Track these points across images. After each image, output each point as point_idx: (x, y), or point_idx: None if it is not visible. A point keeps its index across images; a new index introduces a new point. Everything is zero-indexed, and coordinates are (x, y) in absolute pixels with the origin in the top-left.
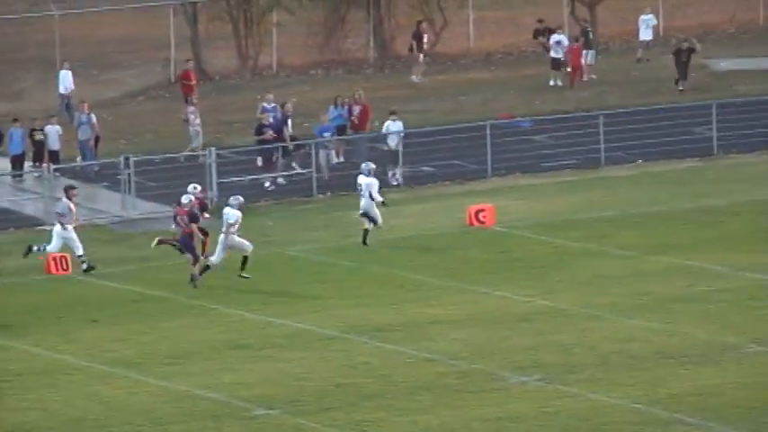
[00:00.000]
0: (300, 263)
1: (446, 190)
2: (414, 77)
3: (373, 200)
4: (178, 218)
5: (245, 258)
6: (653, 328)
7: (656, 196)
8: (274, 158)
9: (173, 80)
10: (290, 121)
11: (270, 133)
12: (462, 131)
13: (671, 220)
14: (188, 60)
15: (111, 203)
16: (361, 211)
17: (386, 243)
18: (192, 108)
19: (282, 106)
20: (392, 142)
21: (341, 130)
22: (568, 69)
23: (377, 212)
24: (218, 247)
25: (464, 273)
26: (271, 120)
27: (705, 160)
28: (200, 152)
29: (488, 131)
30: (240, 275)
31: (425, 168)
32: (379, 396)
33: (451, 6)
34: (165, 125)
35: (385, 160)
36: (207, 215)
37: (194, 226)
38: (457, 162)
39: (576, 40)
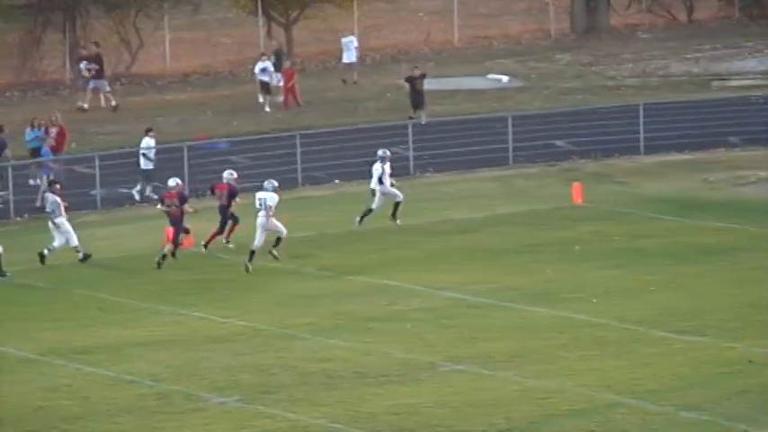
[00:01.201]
0: None
1: (144, 212)
2: (83, 104)
3: (382, 183)
4: (167, 200)
5: (279, 240)
6: (351, 347)
7: (354, 216)
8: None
9: None
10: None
11: None
12: (159, 153)
13: (369, 240)
14: None
15: None
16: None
17: (84, 265)
18: None
19: (1, 130)
20: (146, 160)
21: (36, 152)
22: (280, 99)
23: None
24: (258, 231)
25: (163, 294)
26: None
27: (402, 180)
28: None
29: (185, 153)
30: (271, 253)
31: (122, 190)
32: (79, 419)
33: (147, 27)
34: None
35: (139, 178)
36: (237, 200)
37: (186, 206)
38: (156, 183)
39: (290, 64)
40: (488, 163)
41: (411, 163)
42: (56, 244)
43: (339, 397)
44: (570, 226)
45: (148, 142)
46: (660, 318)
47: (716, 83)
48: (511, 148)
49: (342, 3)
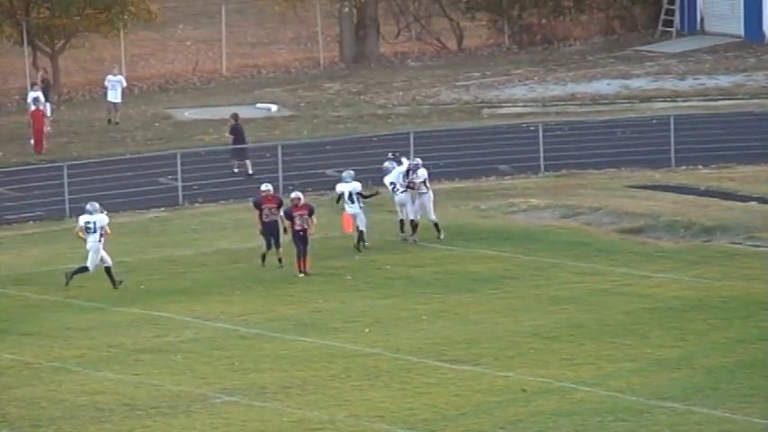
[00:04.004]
0: None
1: None
2: None
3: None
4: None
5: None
6: (121, 379)
7: (122, 248)
8: None
9: None
10: None
11: None
12: None
13: (138, 271)
14: None
15: None
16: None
17: None
18: None
19: None
20: None
21: None
22: (32, 142)
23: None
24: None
25: None
26: None
27: (170, 210)
28: None
29: None
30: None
31: None
32: None
33: None
34: None
35: None
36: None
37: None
38: None
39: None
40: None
41: (180, 193)
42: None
43: (109, 430)
44: (341, 255)
45: None
46: (433, 347)
47: (486, 110)
48: (281, 178)
49: (108, 32)
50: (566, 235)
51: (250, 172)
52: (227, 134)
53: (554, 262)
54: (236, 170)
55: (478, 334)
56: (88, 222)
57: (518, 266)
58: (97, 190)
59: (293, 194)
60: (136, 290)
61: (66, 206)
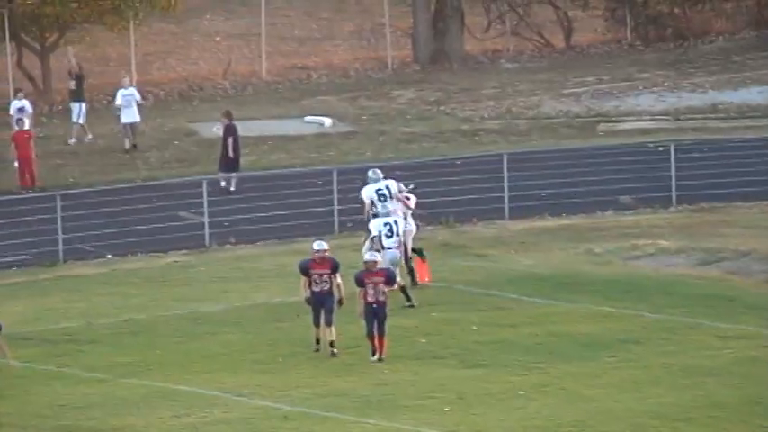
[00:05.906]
0: None
1: None
2: None
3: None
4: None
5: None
6: None
7: (132, 301)
8: None
9: None
10: None
11: None
12: None
13: (153, 332)
14: None
15: None
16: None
17: None
18: None
19: None
20: None
21: None
22: (15, 164)
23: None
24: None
25: None
26: None
27: (194, 253)
28: None
29: None
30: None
31: None
32: None
33: None
34: None
35: None
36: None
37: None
38: None
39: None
40: (309, 230)
41: (207, 231)
42: None
43: None
44: (414, 312)
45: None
46: (533, 431)
47: (602, 126)
48: (336, 212)
49: (115, 23)
50: (704, 287)
51: (232, 189)
52: (217, 130)
53: (689, 322)
54: (223, 184)
55: (592, 414)
56: (380, 190)
57: (642, 327)
58: (99, 227)
59: (368, 256)
60: (150, 356)
61: (60, 248)
